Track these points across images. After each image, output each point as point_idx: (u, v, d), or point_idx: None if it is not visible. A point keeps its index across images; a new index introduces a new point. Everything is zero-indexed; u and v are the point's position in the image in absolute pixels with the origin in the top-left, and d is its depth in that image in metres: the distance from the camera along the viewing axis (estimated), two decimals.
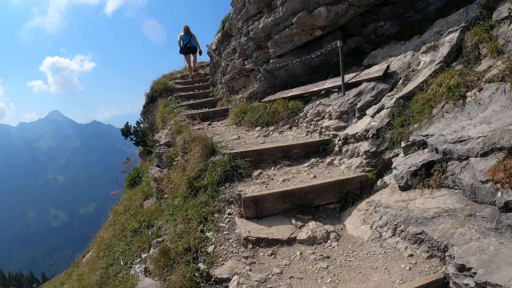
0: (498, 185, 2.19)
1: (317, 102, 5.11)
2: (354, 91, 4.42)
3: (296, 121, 5.43)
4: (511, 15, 3.19)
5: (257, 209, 3.16)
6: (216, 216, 3.29)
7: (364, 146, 3.84)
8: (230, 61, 8.10)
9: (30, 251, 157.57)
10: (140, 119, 12.63)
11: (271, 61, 6.33)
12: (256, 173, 3.97)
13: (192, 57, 10.75)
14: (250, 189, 3.56)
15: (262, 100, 6.52)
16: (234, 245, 2.86)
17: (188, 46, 10.12)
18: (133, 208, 5.97)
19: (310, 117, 5.08)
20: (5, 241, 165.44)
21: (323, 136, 4.68)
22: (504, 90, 2.70)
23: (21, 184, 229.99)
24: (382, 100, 4.00)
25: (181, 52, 10.24)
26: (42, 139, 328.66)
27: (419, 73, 3.86)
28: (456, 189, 2.62)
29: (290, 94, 5.71)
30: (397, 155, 3.43)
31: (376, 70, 4.28)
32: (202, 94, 9.57)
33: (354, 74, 4.68)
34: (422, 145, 3.15)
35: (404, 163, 3.12)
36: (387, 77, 4.18)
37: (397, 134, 3.52)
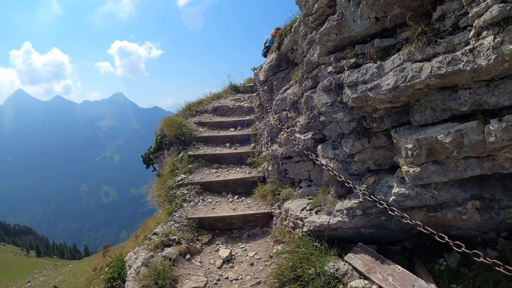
0: None
1: None
2: None
3: None
4: None
5: None
6: None
7: None
8: (286, 120, 4.21)
9: (77, 223, 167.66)
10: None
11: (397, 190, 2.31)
12: None
13: None
14: None
15: (346, 258, 2.58)
16: None
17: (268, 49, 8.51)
18: None
19: None
20: (55, 210, 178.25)
21: None
22: None
23: (78, 158, 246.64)
24: None
25: (262, 54, 8.73)
26: (104, 118, 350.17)
27: None
28: None
29: None
30: None
31: None
32: (236, 156, 5.74)
33: None
34: None
35: None
36: None
37: None
